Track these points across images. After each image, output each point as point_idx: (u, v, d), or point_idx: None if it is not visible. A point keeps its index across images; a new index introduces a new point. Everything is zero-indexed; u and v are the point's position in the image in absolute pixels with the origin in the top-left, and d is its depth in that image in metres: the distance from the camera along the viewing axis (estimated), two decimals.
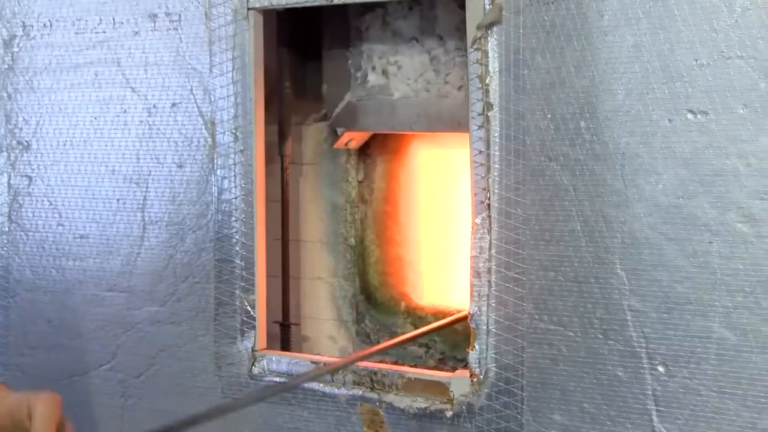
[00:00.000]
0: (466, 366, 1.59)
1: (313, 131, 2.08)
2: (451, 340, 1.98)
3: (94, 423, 1.95)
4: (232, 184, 1.80)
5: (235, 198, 1.80)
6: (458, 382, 1.59)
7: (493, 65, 1.52)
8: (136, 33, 1.88)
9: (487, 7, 1.51)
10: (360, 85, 1.95)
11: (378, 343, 2.06)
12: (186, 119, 1.84)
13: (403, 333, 2.04)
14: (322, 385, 1.71)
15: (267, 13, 1.78)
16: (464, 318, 1.59)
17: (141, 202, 1.90)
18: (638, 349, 1.45)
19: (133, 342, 1.91)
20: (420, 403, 1.62)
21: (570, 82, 1.47)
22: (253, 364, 1.79)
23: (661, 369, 1.44)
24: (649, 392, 1.45)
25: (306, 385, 1.72)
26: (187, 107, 1.84)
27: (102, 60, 1.90)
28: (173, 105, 1.86)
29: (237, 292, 1.80)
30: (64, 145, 1.95)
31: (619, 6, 1.43)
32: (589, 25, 1.45)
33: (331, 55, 1.99)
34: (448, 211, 2.05)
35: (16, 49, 1.98)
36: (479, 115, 1.54)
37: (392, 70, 1.91)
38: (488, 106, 1.53)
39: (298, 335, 2.09)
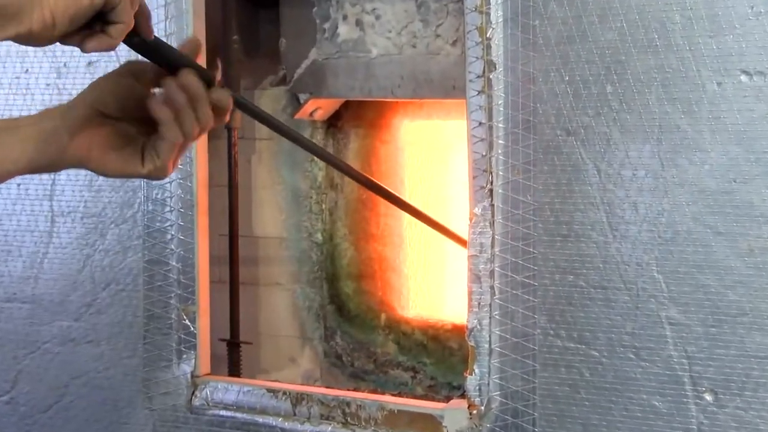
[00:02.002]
0: (463, 395, 1.59)
1: (268, 98, 2.07)
2: (444, 362, 1.98)
3: None
4: None
5: (170, 182, 1.79)
6: (453, 414, 1.59)
7: (497, 14, 1.52)
8: None
9: None
10: (328, 40, 1.95)
11: (352, 366, 2.06)
12: None
13: (385, 353, 2.05)
14: (281, 419, 1.71)
15: None
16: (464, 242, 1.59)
17: (48, 187, 1.88)
18: (680, 373, 1.46)
19: (40, 366, 1.90)
20: None
21: (593, 35, 1.47)
22: (193, 394, 1.78)
23: (708, 397, 1.44)
24: (694, 426, 1.45)
25: (261, 420, 1.72)
26: (106, 66, 1.83)
27: None
28: (89, 63, 1.85)
29: (173, 302, 1.79)
30: None
31: None
32: None
33: (291, 1, 1.98)
34: (440, 198, 2.05)
35: None
36: (479, 77, 1.54)
37: (369, 20, 1.91)
38: (490, 65, 1.53)
39: (251, 356, 2.09)
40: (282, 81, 2.03)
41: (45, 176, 1.88)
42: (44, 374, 1.90)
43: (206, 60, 1.79)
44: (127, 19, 1.02)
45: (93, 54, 1.83)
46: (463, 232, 1.58)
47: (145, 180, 1.80)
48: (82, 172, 1.86)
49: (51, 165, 1.13)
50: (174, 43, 1.76)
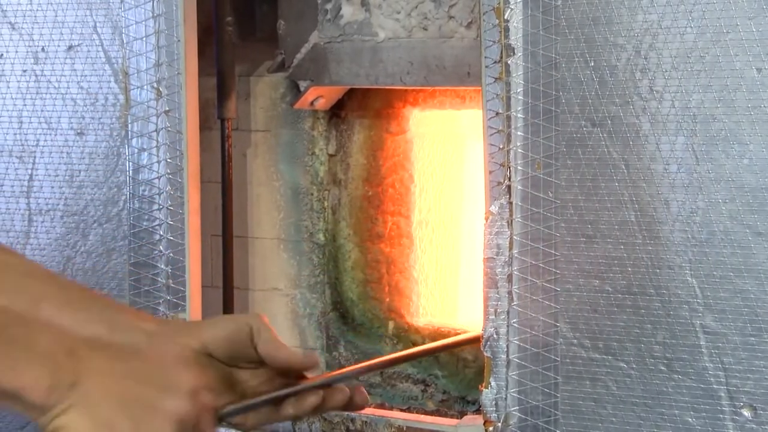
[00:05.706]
0: (478, 410, 1.60)
1: (265, 85, 2.07)
2: (457, 374, 1.98)
3: None
4: (154, 159, 1.80)
5: (158, 178, 1.80)
6: (468, 431, 1.59)
7: None
8: None
9: None
10: (330, 22, 1.95)
11: (357, 379, 2.06)
12: (88, 68, 1.84)
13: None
14: None
15: None
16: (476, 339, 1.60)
17: (25, 183, 1.89)
18: (715, 386, 1.46)
19: None
20: None
21: (620, 17, 1.47)
22: None
23: (746, 413, 1.44)
24: None
25: None
26: (89, 51, 1.84)
27: None
28: (70, 48, 1.85)
29: (161, 309, 1.80)
30: None
31: None
32: None
33: None
34: (453, 195, 2.05)
35: None
36: (496, 62, 1.54)
37: (375, 1, 1.91)
38: (508, 50, 1.53)
39: None
40: (280, 67, 2.03)
41: (21, 171, 1.89)
42: None
43: (197, 43, 1.80)
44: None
45: (74, 38, 1.84)
46: (478, 232, 1.59)
47: (130, 175, 1.81)
48: (62, 166, 1.87)
49: None
50: (164, 21, 1.77)
